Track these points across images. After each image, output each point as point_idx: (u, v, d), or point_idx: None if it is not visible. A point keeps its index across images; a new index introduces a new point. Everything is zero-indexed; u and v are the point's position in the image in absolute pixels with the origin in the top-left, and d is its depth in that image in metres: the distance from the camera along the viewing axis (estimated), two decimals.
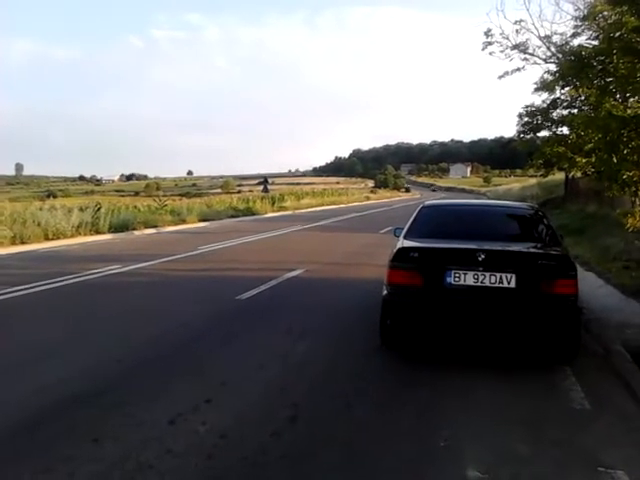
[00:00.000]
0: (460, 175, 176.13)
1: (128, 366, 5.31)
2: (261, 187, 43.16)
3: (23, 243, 15.24)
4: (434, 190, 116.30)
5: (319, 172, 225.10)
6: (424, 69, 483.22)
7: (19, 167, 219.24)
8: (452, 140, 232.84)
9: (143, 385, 4.82)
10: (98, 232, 18.33)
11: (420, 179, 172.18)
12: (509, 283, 5.14)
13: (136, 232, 19.79)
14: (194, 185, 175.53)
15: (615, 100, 10.61)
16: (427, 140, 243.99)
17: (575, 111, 19.46)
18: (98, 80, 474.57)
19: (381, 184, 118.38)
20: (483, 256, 5.19)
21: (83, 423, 4.02)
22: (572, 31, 19.17)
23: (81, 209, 20.05)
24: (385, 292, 5.61)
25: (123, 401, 4.43)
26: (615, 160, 7.96)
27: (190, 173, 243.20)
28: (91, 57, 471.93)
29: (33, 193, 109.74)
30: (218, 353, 5.78)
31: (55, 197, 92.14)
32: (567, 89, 19.23)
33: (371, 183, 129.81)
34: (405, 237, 6.08)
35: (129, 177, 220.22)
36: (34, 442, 3.71)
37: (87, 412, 4.22)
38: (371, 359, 5.64)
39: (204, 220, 25.20)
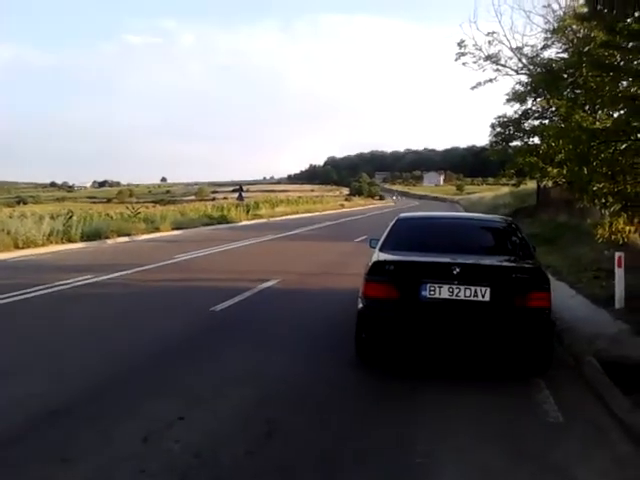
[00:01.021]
0: (434, 183, 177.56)
1: (99, 381, 5.21)
2: (236, 194, 42.98)
3: None
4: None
5: (294, 180, 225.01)
6: (398, 78, 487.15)
7: None
8: (425, 148, 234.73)
9: (115, 401, 4.74)
10: (70, 241, 18.05)
11: (394, 187, 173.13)
12: (484, 296, 5.18)
13: (109, 241, 19.54)
14: (168, 192, 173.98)
15: (584, 112, 10.82)
16: (401, 148, 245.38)
17: (546, 122, 19.85)
18: (71, 86, 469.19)
19: (356, 192, 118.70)
20: (458, 270, 5.22)
21: (52, 441, 3.93)
22: (542, 43, 19.61)
23: (52, 217, 19.75)
24: (361, 305, 5.61)
25: (94, 418, 4.35)
26: (585, 172, 8.09)
27: (164, 180, 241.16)
28: (65, 63, 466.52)
29: (3, 199, 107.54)
30: (192, 367, 5.70)
31: (25, 204, 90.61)
32: (538, 100, 19.62)
33: (346, 191, 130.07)
34: (381, 249, 6.09)
35: (102, 184, 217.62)
36: (3, 462, 3.61)
37: (56, 430, 4.13)
38: (347, 373, 5.63)
39: (178, 228, 25.02)
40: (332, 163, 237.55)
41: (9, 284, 10.04)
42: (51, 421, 4.29)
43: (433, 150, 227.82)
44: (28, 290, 9.51)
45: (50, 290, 9.71)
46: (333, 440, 4.09)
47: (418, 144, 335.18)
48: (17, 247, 16.00)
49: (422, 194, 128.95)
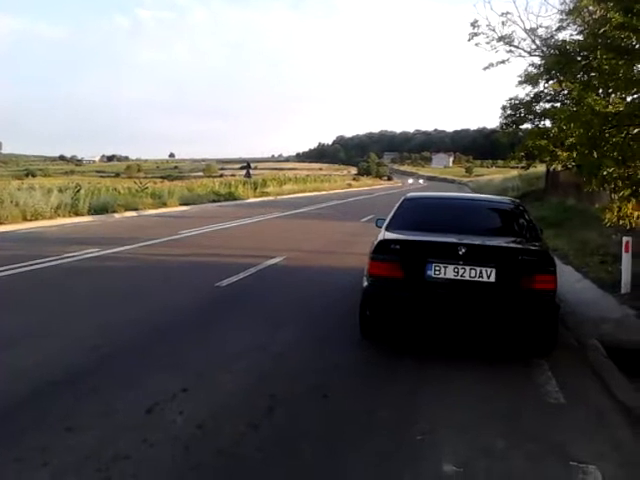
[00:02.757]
0: (442, 165, 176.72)
1: (104, 353, 5.25)
2: (244, 172, 42.91)
3: (0, 223, 15.01)
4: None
5: (302, 158, 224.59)
6: (409, 58, 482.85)
7: None
8: (435, 130, 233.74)
9: (119, 373, 4.78)
10: (77, 214, 18.12)
11: (403, 167, 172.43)
12: (489, 277, 5.17)
13: (116, 215, 19.59)
14: (176, 168, 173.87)
15: (597, 95, 10.68)
16: (410, 129, 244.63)
17: (558, 105, 19.60)
18: (82, 59, 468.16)
19: (364, 172, 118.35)
20: (464, 250, 5.21)
21: (57, 411, 3.98)
22: (557, 25, 19.26)
23: (60, 190, 19.80)
24: (365, 283, 5.62)
25: (98, 388, 4.39)
26: (596, 156, 8.02)
27: (172, 155, 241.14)
28: (75, 36, 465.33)
29: (12, 172, 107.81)
30: (196, 341, 5.74)
31: (34, 176, 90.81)
32: (551, 83, 19.36)
33: (354, 170, 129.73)
34: (387, 229, 6.08)
35: (110, 158, 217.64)
36: (6, 430, 3.66)
37: (61, 399, 4.17)
38: (350, 350, 5.65)
39: (185, 204, 25.05)
40: (341, 142, 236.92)
41: (17, 255, 10.10)
42: (55, 391, 4.33)
43: (443, 131, 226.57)
44: (35, 262, 9.57)
45: (56, 262, 9.76)
46: (335, 416, 4.12)
47: (428, 125, 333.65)
48: (25, 219, 16.08)
49: (431, 175, 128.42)
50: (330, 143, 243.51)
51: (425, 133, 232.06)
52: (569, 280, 8.82)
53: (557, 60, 12.57)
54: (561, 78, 15.47)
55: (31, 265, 9.32)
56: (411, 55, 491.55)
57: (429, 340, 5.99)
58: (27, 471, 3.21)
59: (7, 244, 12.29)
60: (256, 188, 36.98)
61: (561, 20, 18.91)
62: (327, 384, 4.73)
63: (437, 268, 5.24)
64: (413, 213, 6.61)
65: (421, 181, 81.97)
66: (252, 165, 46.18)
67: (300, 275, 9.63)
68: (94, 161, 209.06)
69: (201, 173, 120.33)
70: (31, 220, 16.10)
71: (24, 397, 4.20)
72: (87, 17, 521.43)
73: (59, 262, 9.79)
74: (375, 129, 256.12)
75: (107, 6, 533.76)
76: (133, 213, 20.59)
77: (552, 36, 19.34)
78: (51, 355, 5.14)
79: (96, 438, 3.57)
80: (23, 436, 3.58)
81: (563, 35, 18.55)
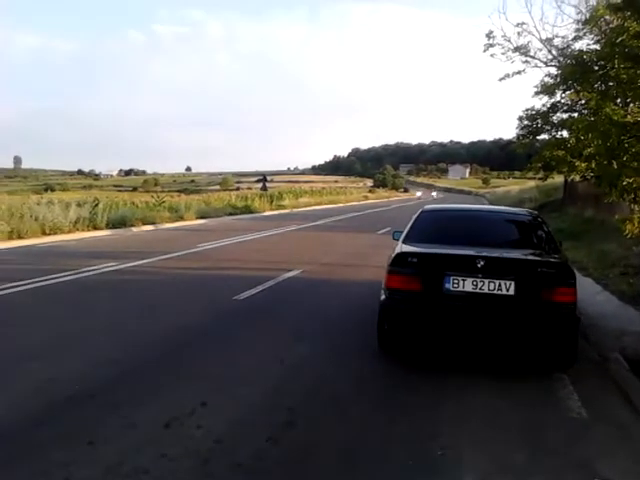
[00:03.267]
0: (459, 176, 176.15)
1: (123, 367, 5.27)
2: (260, 185, 43.05)
3: (20, 238, 15.19)
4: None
5: (318, 170, 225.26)
6: (424, 69, 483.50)
7: (17, 160, 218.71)
8: (451, 141, 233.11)
9: (138, 387, 4.79)
10: (96, 228, 18.28)
11: (419, 179, 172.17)
12: (508, 290, 5.13)
13: (134, 228, 19.74)
14: (192, 181, 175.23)
15: (615, 105, 10.59)
16: (426, 140, 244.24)
17: (575, 115, 19.46)
18: (99, 75, 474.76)
19: (380, 184, 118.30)
20: (482, 263, 5.17)
21: (78, 425, 4.00)
22: (574, 34, 19.11)
23: (79, 204, 19.98)
24: (383, 296, 5.60)
25: (118, 403, 4.40)
26: (615, 166, 7.93)
27: (189, 169, 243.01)
28: (92, 52, 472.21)
29: (31, 186, 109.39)
30: (215, 355, 5.75)
31: (53, 191, 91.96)
32: (568, 93, 19.21)
33: (370, 182, 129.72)
34: (404, 241, 6.06)
35: (128, 172, 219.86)
36: (29, 444, 3.68)
37: (81, 414, 4.19)
38: (368, 363, 5.62)
39: (202, 217, 25.18)
40: (356, 154, 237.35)
41: (36, 269, 10.21)
42: (75, 405, 4.35)
43: (459, 143, 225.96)
44: (54, 276, 9.66)
45: (75, 276, 9.84)
46: (353, 430, 4.09)
47: (443, 136, 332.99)
48: (44, 233, 16.25)
49: (447, 187, 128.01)
50: (346, 155, 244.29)
51: (441, 145, 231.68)
52: (589, 292, 8.72)
53: (574, 70, 12.46)
54: (578, 88, 15.34)
55: (51, 279, 9.41)
56: (426, 67, 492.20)
57: (448, 353, 5.94)
58: None
59: (27, 258, 12.43)
60: (272, 201, 37.12)
61: (577, 30, 18.79)
62: (346, 397, 4.71)
63: (455, 281, 5.20)
64: (430, 225, 6.58)
65: (434, 194, 64.50)
66: (268, 178, 46.28)
67: (318, 288, 9.62)
68: (112, 175, 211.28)
69: (218, 186, 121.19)
70: (50, 234, 16.26)
71: (45, 411, 4.22)
72: (104, 33, 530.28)
73: (78, 276, 9.87)
74: (391, 141, 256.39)
75: (122, 22, 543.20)
76: (151, 227, 20.73)
77: (568, 46, 19.23)
78: (71, 369, 5.17)
79: (116, 452, 3.58)
80: (47, 450, 3.60)
81: (580, 45, 18.42)
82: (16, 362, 5.34)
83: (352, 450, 3.78)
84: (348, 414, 4.38)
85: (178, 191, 79.18)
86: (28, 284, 8.93)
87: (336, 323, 7.14)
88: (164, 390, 4.71)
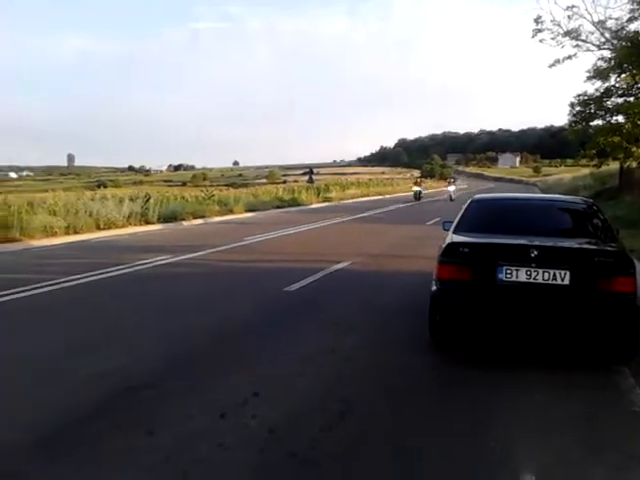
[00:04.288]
0: (509, 165, 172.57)
1: (176, 358, 5.40)
2: (306, 177, 43.22)
3: (76, 233, 15.67)
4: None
5: (364, 162, 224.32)
6: (471, 57, 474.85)
7: (71, 158, 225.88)
8: (500, 129, 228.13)
9: (193, 378, 4.88)
10: (148, 222, 18.69)
11: (467, 169, 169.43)
12: (563, 280, 5.00)
13: (184, 222, 20.10)
14: (240, 175, 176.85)
15: None
16: (474, 129, 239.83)
17: (631, 99, 18.79)
18: (148, 73, 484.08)
19: (427, 174, 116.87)
20: (536, 252, 5.06)
21: (137, 414, 4.11)
22: (628, 15, 18.51)
23: (131, 199, 20.47)
24: (434, 287, 5.54)
25: (173, 393, 4.50)
26: None
27: (236, 163, 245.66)
28: (137, 51, 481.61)
29: (84, 183, 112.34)
30: (267, 346, 5.81)
31: (105, 187, 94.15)
32: (623, 76, 18.59)
33: (417, 173, 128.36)
34: (454, 232, 5.99)
35: (177, 167, 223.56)
36: (92, 432, 3.80)
37: (140, 404, 4.30)
38: (420, 354, 5.59)
39: (250, 210, 25.44)
40: (403, 145, 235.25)
41: (93, 263, 10.52)
42: (133, 396, 4.47)
43: (508, 131, 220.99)
44: (109, 269, 9.93)
45: (130, 269, 10.10)
46: (407, 422, 4.08)
47: (492, 125, 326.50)
48: (99, 228, 16.72)
49: (497, 176, 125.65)
50: (392, 146, 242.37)
51: (490, 133, 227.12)
52: None
53: (629, 52, 12.06)
54: (634, 71, 14.84)
55: (107, 272, 9.68)
56: (473, 54, 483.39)
57: (501, 344, 5.85)
58: (114, 471, 3.34)
59: (83, 252, 12.82)
60: (319, 193, 37.21)
61: (632, 10, 18.16)
62: (398, 388, 4.70)
63: (509, 271, 5.11)
64: (481, 215, 6.48)
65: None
66: (314, 170, 46.37)
67: (367, 279, 9.61)
68: (161, 171, 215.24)
69: (265, 180, 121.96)
70: (104, 229, 16.72)
71: (105, 401, 4.35)
72: (147, 32, 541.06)
73: (132, 269, 10.13)
74: (438, 130, 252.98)
75: (163, 21, 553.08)
76: (200, 220, 21.07)
77: (623, 28, 18.60)
78: (127, 361, 5.31)
79: (174, 441, 3.67)
80: (108, 438, 3.72)
81: (635, 26, 17.80)
82: (76, 353, 5.52)
83: (405, 441, 3.76)
84: (402, 405, 4.37)
85: (226, 185, 79.94)
86: (85, 277, 9.21)
87: (387, 314, 7.12)
88: (217, 381, 4.79)
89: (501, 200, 7.78)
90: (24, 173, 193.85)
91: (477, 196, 7.17)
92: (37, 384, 4.73)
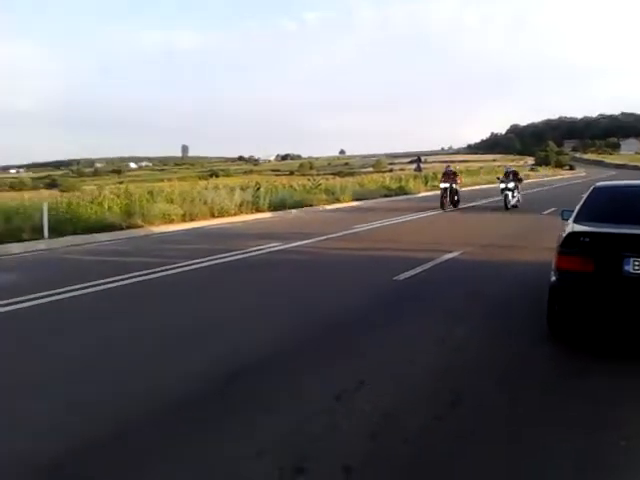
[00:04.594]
0: (633, 151, 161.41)
1: (292, 341, 5.55)
2: (413, 166, 42.74)
3: (192, 220, 16.48)
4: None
5: (474, 149, 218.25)
6: (589, 34, 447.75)
7: (185, 149, 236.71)
8: (622, 113, 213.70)
9: (307, 360, 5.02)
10: (258, 210, 19.30)
11: (585, 156, 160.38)
12: None
13: (293, 210, 20.53)
14: (346, 164, 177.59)
15: None
16: (593, 113, 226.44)
17: None
18: (255, 64, 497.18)
19: (541, 161, 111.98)
20: None
21: (255, 393, 4.28)
22: None
23: (242, 188, 21.23)
24: (553, 278, 5.33)
25: (290, 374, 4.65)
26: None
27: (342, 152, 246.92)
28: (248, 42, 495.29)
29: (198, 173, 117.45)
30: (377, 333, 5.83)
31: (217, 176, 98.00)
32: None
33: (530, 160, 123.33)
34: (575, 221, 5.71)
35: (284, 157, 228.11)
36: (217, 408, 4.01)
37: (257, 383, 4.48)
38: (537, 346, 5.39)
39: (357, 199, 25.56)
40: (515, 131, 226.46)
41: (209, 249, 11.04)
42: (251, 376, 4.66)
43: (632, 114, 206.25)
44: (224, 255, 10.37)
45: (244, 255, 10.49)
46: (522, 413, 3.96)
47: (613, 108, 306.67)
48: (212, 216, 17.50)
49: (619, 163, 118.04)
50: (503, 133, 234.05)
51: (611, 117, 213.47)
52: None
53: None
54: None
55: (222, 258, 10.12)
56: (591, 30, 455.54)
57: (623, 338, 5.52)
58: (236, 445, 3.50)
59: (199, 238, 13.48)
60: (427, 182, 36.66)
61: None
62: (511, 380, 4.58)
63: (637, 263, 4.81)
64: (604, 203, 6.13)
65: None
66: (422, 159, 45.72)
67: (478, 270, 9.37)
68: (269, 160, 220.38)
69: (371, 168, 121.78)
70: (218, 217, 17.47)
71: (224, 380, 4.57)
72: (254, 24, 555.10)
73: (246, 255, 10.52)
74: (553, 115, 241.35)
75: (275, 11, 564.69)
76: (308, 209, 21.44)
77: None
78: (244, 342, 5.53)
79: (292, 420, 3.79)
80: (230, 414, 3.91)
81: None
82: (195, 333, 5.84)
83: (520, 434, 3.65)
84: (516, 396, 4.24)
85: (332, 174, 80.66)
86: (203, 262, 9.69)
87: (499, 305, 6.93)
88: (329, 366, 4.87)
89: (626, 187, 7.30)
90: (143, 163, 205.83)
91: (599, 184, 6.80)
92: (191, 343, 5.16)
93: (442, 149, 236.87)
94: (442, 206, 20.92)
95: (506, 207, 20.79)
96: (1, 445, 3.55)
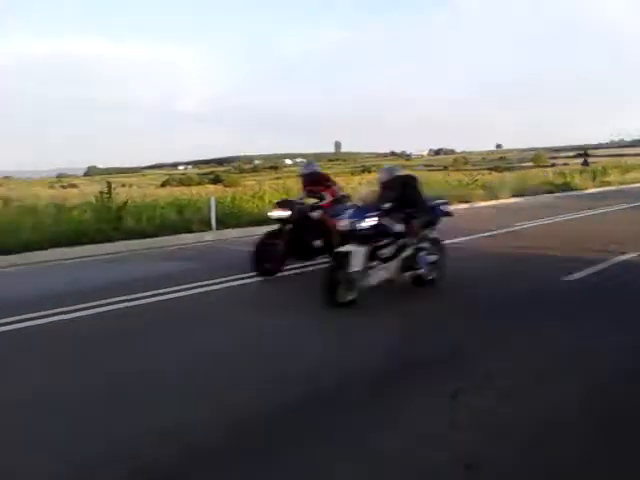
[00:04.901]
0: None
1: (422, 334, 5.75)
2: (580, 160, 40.15)
3: None
4: None
5: None
6: None
7: (337, 145, 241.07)
8: None
9: (425, 354, 5.17)
10: None
11: None
12: None
13: (449, 206, 20.15)
14: (502, 158, 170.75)
15: None
16: None
17: None
18: (407, 59, 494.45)
19: None
20: None
21: (387, 382, 4.40)
22: None
23: None
24: None
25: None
26: None
27: (499, 146, 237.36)
28: (397, 36, 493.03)
29: (351, 168, 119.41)
30: (545, 332, 5.71)
31: (370, 172, 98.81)
32: None
33: None
34: None
35: (437, 152, 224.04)
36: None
37: (380, 382, 4.57)
38: None
39: (517, 195, 24.49)
40: None
41: None
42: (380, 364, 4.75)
43: None
44: None
45: None
46: None
47: None
48: None
49: None
50: None
51: None
52: None
53: None
54: None
55: None
56: None
57: None
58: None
59: None
60: (595, 177, 34.19)
61: None
62: None
63: None
64: None
65: None
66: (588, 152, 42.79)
67: None
68: (422, 155, 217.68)
69: (530, 163, 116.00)
70: None
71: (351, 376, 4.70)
72: (401, 18, 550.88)
73: None
74: None
75: (423, 3, 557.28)
76: (466, 205, 20.94)
77: None
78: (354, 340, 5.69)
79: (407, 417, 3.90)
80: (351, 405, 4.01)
81: None
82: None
83: None
84: None
85: (489, 169, 77.89)
86: None
87: None
88: (466, 360, 4.96)
89: None
90: (297, 160, 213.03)
91: None
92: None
93: (611, 142, 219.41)
94: None
95: None
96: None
